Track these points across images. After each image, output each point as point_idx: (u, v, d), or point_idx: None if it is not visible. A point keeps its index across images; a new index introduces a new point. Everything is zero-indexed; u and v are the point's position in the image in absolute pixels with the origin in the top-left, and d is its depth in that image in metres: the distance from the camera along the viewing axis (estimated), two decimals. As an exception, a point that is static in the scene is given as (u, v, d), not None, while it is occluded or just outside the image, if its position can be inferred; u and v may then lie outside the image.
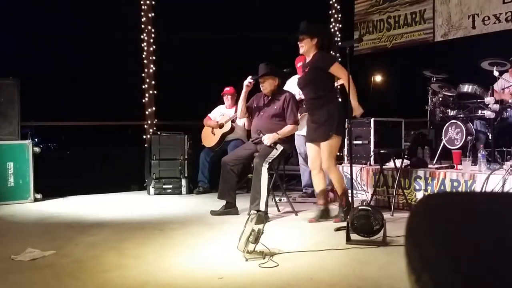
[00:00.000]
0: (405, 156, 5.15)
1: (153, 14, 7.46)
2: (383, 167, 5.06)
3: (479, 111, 5.27)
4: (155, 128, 7.43)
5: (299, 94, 5.91)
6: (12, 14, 7.37)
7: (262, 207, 4.49)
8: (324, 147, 4.46)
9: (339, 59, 7.55)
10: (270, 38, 8.81)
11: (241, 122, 6.68)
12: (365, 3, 7.92)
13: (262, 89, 5.06)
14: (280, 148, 4.80)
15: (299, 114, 5.83)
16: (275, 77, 5.02)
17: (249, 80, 4.98)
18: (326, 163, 4.48)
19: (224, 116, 6.81)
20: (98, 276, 2.86)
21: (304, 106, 5.82)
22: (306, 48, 4.53)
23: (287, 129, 4.89)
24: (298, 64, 5.85)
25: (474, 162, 4.84)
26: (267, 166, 4.66)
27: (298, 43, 4.57)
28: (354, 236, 3.57)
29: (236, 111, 6.71)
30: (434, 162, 5.50)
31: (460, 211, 0.66)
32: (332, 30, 7.76)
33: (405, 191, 5.06)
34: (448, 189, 4.78)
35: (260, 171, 4.61)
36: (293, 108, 4.96)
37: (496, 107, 5.03)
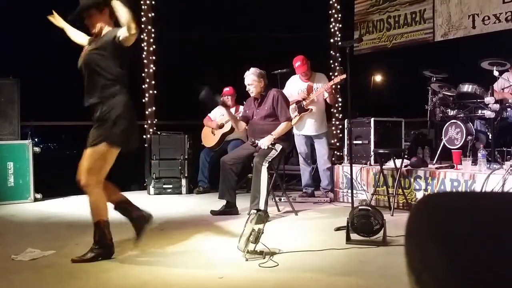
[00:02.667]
0: (405, 156, 5.15)
1: (153, 14, 7.46)
2: (383, 167, 5.06)
3: (479, 111, 5.27)
4: (155, 128, 7.43)
5: (297, 93, 5.92)
6: (12, 14, 7.37)
7: (261, 206, 4.49)
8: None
9: (339, 59, 7.57)
10: (270, 38, 8.81)
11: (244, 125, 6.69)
12: (365, 3, 7.92)
13: (250, 93, 5.09)
14: (279, 147, 4.81)
15: (298, 114, 5.84)
16: (260, 80, 5.03)
17: (223, 99, 5.17)
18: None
19: (224, 116, 6.81)
20: (98, 276, 2.86)
21: (302, 106, 5.83)
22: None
23: (281, 127, 4.89)
24: (296, 64, 5.86)
25: (474, 162, 4.84)
26: (266, 165, 4.66)
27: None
28: (354, 236, 3.57)
29: (236, 111, 6.73)
30: (434, 162, 5.50)
31: (460, 211, 0.67)
32: (332, 30, 7.75)
33: (405, 191, 5.06)
34: (448, 189, 4.78)
35: (260, 170, 4.62)
36: (283, 105, 4.97)
37: (496, 107, 5.03)
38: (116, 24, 3.27)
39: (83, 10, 3.29)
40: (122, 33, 3.13)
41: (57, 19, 3.65)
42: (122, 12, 3.11)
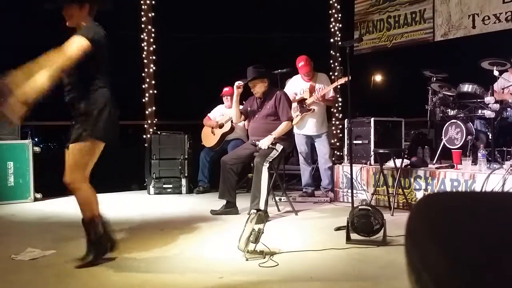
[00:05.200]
0: (405, 156, 5.15)
1: (153, 14, 7.46)
2: (383, 166, 5.06)
3: (479, 111, 5.27)
4: (155, 128, 7.43)
5: (300, 94, 5.92)
6: (12, 14, 7.37)
7: (262, 206, 4.49)
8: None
9: (339, 59, 7.57)
10: (270, 38, 8.82)
11: (241, 122, 6.69)
12: (365, 3, 7.92)
13: (253, 93, 5.08)
14: (279, 147, 4.81)
15: (300, 114, 5.84)
16: (264, 79, 5.03)
17: (238, 82, 5.03)
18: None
19: (224, 116, 6.81)
20: (98, 275, 2.86)
21: (304, 106, 5.83)
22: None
23: (281, 127, 4.89)
24: (300, 64, 5.86)
25: (474, 161, 4.84)
26: (267, 165, 4.66)
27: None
28: (354, 236, 3.57)
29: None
30: (434, 161, 5.50)
31: (460, 210, 0.67)
32: (332, 29, 7.76)
33: (405, 190, 5.06)
34: (448, 188, 4.78)
35: (261, 170, 4.62)
36: (285, 105, 4.96)
37: (496, 106, 5.03)
38: (95, 20, 3.20)
39: (65, 1, 3.15)
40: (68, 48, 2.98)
41: None
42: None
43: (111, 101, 3.14)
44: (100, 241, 3.10)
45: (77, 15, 3.15)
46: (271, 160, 4.72)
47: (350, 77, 4.45)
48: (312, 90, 5.83)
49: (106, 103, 3.09)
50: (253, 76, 4.98)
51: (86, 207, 3.09)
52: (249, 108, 5.22)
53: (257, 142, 4.86)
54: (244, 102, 5.42)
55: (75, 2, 3.14)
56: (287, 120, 4.94)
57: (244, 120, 5.44)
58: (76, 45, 2.96)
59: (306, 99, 5.83)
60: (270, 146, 4.76)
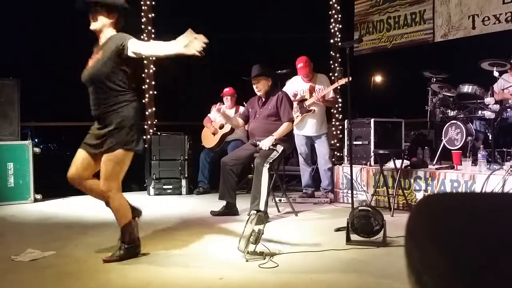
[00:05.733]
0: (405, 157, 5.15)
1: (153, 15, 7.47)
2: (383, 167, 5.06)
3: (479, 112, 5.27)
4: (155, 129, 7.43)
5: (300, 94, 5.92)
6: (12, 14, 7.38)
7: (262, 207, 4.49)
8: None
9: (339, 59, 7.57)
10: (270, 39, 8.81)
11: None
12: (365, 3, 7.92)
13: (256, 91, 5.06)
14: (280, 148, 4.80)
15: (300, 115, 5.84)
16: (268, 78, 5.03)
17: (217, 106, 5.27)
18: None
19: (224, 116, 6.81)
20: (98, 276, 2.86)
21: (304, 107, 5.83)
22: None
23: (282, 128, 4.88)
24: (299, 65, 5.86)
25: (474, 162, 4.84)
26: (267, 166, 4.65)
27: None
28: (354, 237, 3.57)
29: (236, 112, 6.73)
30: (434, 162, 5.50)
31: (460, 211, 0.66)
32: (332, 30, 7.76)
33: (405, 191, 5.06)
34: (448, 189, 4.78)
35: (261, 171, 4.61)
36: (286, 106, 4.96)
37: (496, 107, 5.03)
38: (120, 31, 3.28)
39: (94, 2, 3.23)
40: (132, 47, 3.10)
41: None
42: (161, 50, 3.14)
43: (139, 111, 3.32)
44: (134, 242, 3.27)
45: (103, 21, 3.25)
46: (271, 161, 4.71)
47: (350, 78, 4.45)
48: (312, 91, 5.83)
49: (136, 116, 3.25)
50: (258, 73, 4.98)
51: (121, 215, 3.25)
52: (250, 110, 5.22)
53: (258, 143, 4.85)
54: (244, 104, 5.42)
55: (103, 7, 3.23)
56: (288, 121, 4.93)
57: (245, 125, 5.46)
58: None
59: (306, 99, 5.83)
60: (271, 147, 4.75)
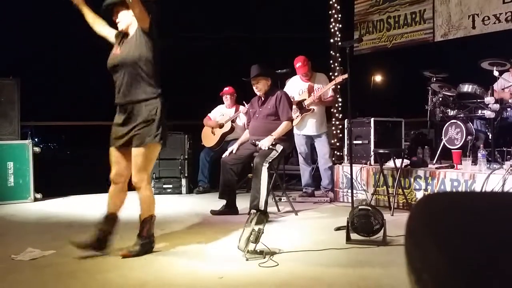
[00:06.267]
0: (405, 156, 5.15)
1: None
2: (383, 167, 5.06)
3: (479, 111, 5.27)
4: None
5: (298, 95, 5.92)
6: (12, 14, 7.37)
7: (261, 207, 4.49)
8: None
9: (339, 59, 7.57)
10: (270, 38, 8.81)
11: (241, 122, 6.69)
12: (365, 3, 7.92)
13: (256, 91, 5.06)
14: (279, 148, 4.79)
15: (300, 115, 5.84)
16: (267, 77, 5.03)
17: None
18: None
19: (224, 116, 6.81)
20: (98, 276, 2.86)
21: (304, 106, 5.83)
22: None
23: (281, 127, 4.87)
24: (297, 65, 5.86)
25: (474, 162, 4.84)
26: (267, 165, 4.65)
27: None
28: (354, 236, 3.57)
29: (236, 111, 6.73)
30: (434, 162, 5.50)
31: (460, 211, 0.67)
32: (332, 30, 7.75)
33: (405, 190, 5.06)
34: (448, 188, 4.79)
35: (260, 170, 4.61)
36: (285, 105, 4.95)
37: (496, 107, 5.03)
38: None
39: (111, 4, 3.33)
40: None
41: None
42: None
43: (166, 110, 3.40)
44: (151, 238, 3.35)
45: (126, 16, 3.33)
46: (270, 160, 4.71)
47: (349, 76, 4.45)
48: (310, 90, 5.83)
49: (164, 110, 3.35)
50: (257, 73, 4.98)
51: (146, 206, 3.35)
52: (251, 110, 5.22)
53: (257, 142, 4.85)
54: (245, 103, 5.41)
55: (121, 3, 3.29)
56: (287, 120, 4.93)
57: None
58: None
59: (305, 99, 5.83)
60: (270, 146, 4.75)
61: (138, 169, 3.28)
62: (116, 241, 3.41)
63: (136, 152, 3.27)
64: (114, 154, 3.39)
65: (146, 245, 3.31)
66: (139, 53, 3.27)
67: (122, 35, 3.41)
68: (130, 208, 3.50)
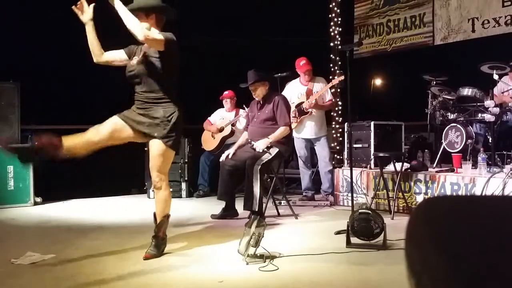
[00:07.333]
0: (405, 160, 5.15)
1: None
2: (383, 170, 5.06)
3: (479, 115, 5.27)
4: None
5: (297, 98, 5.93)
6: (12, 16, 7.38)
7: (256, 208, 4.46)
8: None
9: (339, 63, 7.58)
10: (270, 42, 8.82)
11: (241, 125, 6.69)
12: (365, 6, 7.93)
13: (254, 96, 5.07)
14: (274, 151, 4.74)
15: (298, 118, 5.84)
16: (264, 82, 5.02)
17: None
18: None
19: (224, 119, 6.81)
20: (98, 279, 2.85)
21: (304, 109, 5.84)
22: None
23: (278, 132, 4.86)
24: (301, 63, 5.87)
25: (474, 165, 4.84)
26: (259, 167, 4.59)
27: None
28: (354, 240, 3.56)
29: (236, 115, 6.73)
30: (434, 165, 5.50)
31: (460, 214, 0.67)
32: (332, 33, 7.77)
33: (405, 194, 5.05)
34: (448, 192, 4.78)
35: (252, 172, 4.57)
36: (282, 110, 4.94)
37: (496, 110, 5.03)
38: (164, 30, 3.38)
39: (131, 9, 3.31)
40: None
41: (85, 10, 3.33)
42: (123, 18, 3.17)
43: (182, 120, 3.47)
44: (165, 238, 3.42)
45: (143, 23, 3.29)
46: (262, 162, 4.65)
47: (347, 79, 4.45)
48: (309, 94, 5.83)
49: (179, 119, 3.40)
50: (254, 80, 4.98)
51: (165, 206, 3.42)
52: (249, 113, 5.22)
53: (252, 142, 4.84)
54: (244, 107, 5.41)
55: (141, 10, 3.32)
56: (284, 125, 4.91)
57: None
58: (155, 32, 3.27)
59: (303, 102, 5.84)
60: (265, 149, 4.72)
61: (158, 169, 3.37)
62: (116, 245, 3.40)
63: (155, 153, 3.34)
64: (115, 122, 3.36)
65: (161, 246, 3.38)
66: (157, 64, 3.33)
67: (139, 44, 3.44)
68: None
